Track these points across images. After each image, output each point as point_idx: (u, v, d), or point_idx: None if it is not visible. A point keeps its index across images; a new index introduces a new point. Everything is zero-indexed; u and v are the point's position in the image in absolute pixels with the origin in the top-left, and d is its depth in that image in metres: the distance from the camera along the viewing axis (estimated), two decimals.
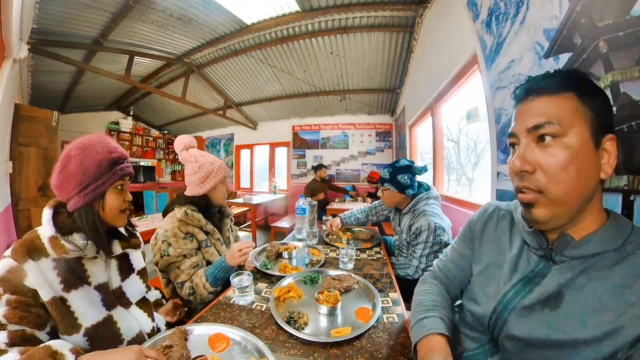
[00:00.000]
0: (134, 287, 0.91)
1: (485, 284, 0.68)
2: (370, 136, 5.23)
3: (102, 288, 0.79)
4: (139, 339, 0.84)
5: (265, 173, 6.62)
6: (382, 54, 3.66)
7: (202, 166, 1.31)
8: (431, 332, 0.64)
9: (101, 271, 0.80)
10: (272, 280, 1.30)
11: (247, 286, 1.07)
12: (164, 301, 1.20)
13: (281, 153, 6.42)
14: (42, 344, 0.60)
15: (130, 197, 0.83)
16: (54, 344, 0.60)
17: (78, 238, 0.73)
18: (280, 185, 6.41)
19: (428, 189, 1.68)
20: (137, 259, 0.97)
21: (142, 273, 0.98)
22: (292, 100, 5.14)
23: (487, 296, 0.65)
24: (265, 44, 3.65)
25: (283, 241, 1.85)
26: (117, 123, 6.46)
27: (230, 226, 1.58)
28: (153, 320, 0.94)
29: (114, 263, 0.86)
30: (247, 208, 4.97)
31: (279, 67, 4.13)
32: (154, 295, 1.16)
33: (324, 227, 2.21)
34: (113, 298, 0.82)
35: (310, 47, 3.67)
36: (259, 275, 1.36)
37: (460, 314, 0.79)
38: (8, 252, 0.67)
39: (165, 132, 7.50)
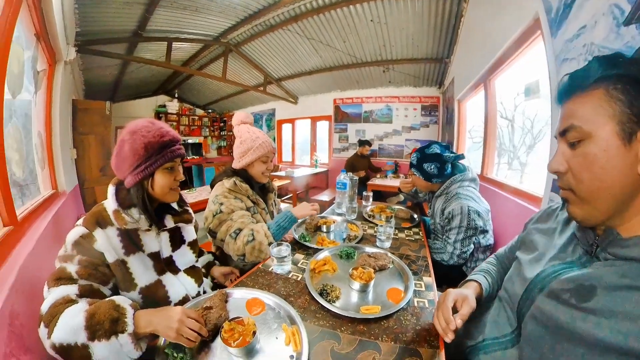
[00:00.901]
0: (184, 257, 1.02)
1: (527, 266, 0.69)
2: (415, 110, 4.83)
3: (153, 256, 0.90)
4: (184, 301, 0.93)
5: (306, 147, 6.68)
6: (428, 19, 3.23)
7: (244, 141, 1.36)
8: (469, 279, 0.85)
9: (153, 241, 0.91)
10: (310, 252, 1.33)
11: (286, 256, 1.11)
12: (216, 262, 1.33)
13: (323, 127, 6.36)
14: (107, 299, 0.70)
15: (181, 177, 0.90)
16: (117, 298, 0.70)
17: (134, 212, 0.83)
18: (322, 159, 6.45)
19: (463, 170, 1.54)
20: (189, 232, 1.07)
21: (193, 245, 1.08)
22: (333, 72, 4.93)
23: (523, 277, 0.66)
24: (300, 15, 3.48)
25: (322, 215, 1.86)
26: (164, 106, 7.00)
27: (274, 199, 1.64)
28: (200, 285, 1.04)
29: (165, 235, 0.95)
30: (288, 181, 5.15)
31: (317, 39, 3.94)
32: (205, 258, 1.29)
33: (363, 203, 2.22)
34: (163, 265, 0.93)
35: (348, 16, 3.40)
36: (297, 246, 1.39)
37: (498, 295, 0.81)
38: (80, 221, 0.80)
39: (210, 110, 7.95)
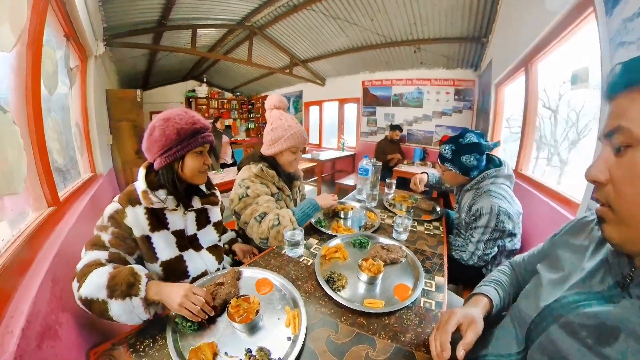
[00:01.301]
0: (208, 236, 1.10)
1: (547, 286, 0.61)
2: (447, 94, 4.44)
3: (177, 233, 0.98)
4: (203, 277, 1.01)
5: (334, 129, 6.57)
6: None
7: (276, 129, 1.33)
8: (479, 292, 0.76)
9: (179, 220, 0.99)
10: (324, 237, 1.33)
11: (298, 241, 1.14)
12: (239, 239, 1.42)
13: (351, 110, 6.18)
14: (128, 266, 0.80)
15: (209, 161, 0.96)
16: (136, 267, 0.79)
17: (162, 193, 0.91)
18: (349, 142, 6.34)
19: (499, 165, 1.39)
20: (215, 213, 1.14)
21: (218, 225, 1.15)
22: (360, 53, 4.67)
23: (540, 298, 0.59)
24: None
25: (342, 200, 1.84)
26: (194, 90, 7.26)
27: (300, 186, 1.63)
28: (220, 262, 1.13)
29: (192, 215, 1.03)
30: (314, 164, 5.21)
31: (343, 18, 3.72)
32: (228, 235, 1.37)
33: (386, 190, 2.15)
34: (187, 242, 1.02)
35: None
36: (312, 231, 1.39)
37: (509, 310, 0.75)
38: (116, 198, 0.91)
39: (238, 94, 8.11)
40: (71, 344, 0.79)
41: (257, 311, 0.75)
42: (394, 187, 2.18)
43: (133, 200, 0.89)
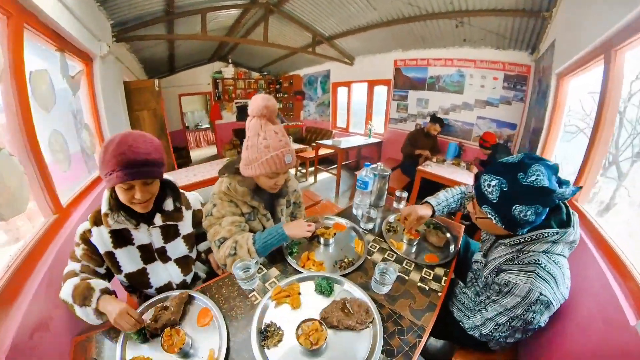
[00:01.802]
0: (177, 249, 1.13)
1: None
2: (495, 80, 3.65)
3: (143, 248, 1.04)
4: (167, 287, 1.12)
5: (362, 113, 6.05)
6: None
7: (251, 148, 1.10)
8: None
9: (144, 235, 1.03)
10: (289, 270, 1.17)
11: (251, 276, 1.04)
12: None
13: (381, 92, 5.58)
14: (88, 280, 0.90)
15: (139, 197, 0.87)
16: (93, 282, 0.89)
17: (124, 213, 0.94)
18: (377, 128, 5.85)
19: (566, 222, 0.90)
20: (185, 226, 1.14)
21: (188, 238, 1.16)
22: (392, 27, 4.00)
23: None
24: None
25: (330, 217, 1.60)
26: (220, 72, 7.22)
27: (288, 201, 1.41)
28: (186, 274, 1.17)
29: (156, 230, 1.05)
30: (331, 151, 5.02)
31: None
32: (206, 244, 1.34)
33: (394, 205, 1.79)
34: (154, 255, 1.07)
35: None
36: (279, 257, 1.24)
37: None
38: (89, 215, 0.97)
39: (265, 73, 7.89)
40: (58, 334, 1.00)
41: (181, 348, 0.79)
42: (404, 202, 1.79)
43: (98, 221, 0.95)
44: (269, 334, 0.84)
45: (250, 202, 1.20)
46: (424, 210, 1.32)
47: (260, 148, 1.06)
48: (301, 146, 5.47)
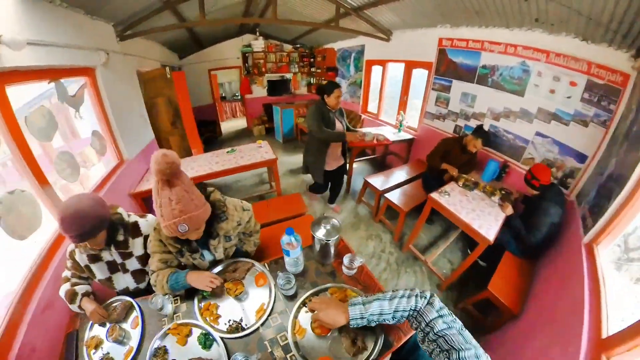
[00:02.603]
0: (132, 264, 1.45)
1: None
2: (572, 85, 2.45)
3: (109, 262, 1.40)
4: (125, 292, 1.51)
5: (396, 99, 5.10)
6: None
7: (155, 208, 1.08)
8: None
9: (108, 255, 1.38)
10: (192, 310, 1.34)
11: (159, 309, 1.26)
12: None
13: (420, 77, 4.54)
14: (74, 287, 1.34)
15: (89, 247, 1.30)
16: (78, 288, 1.35)
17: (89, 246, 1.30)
18: (410, 121, 4.94)
19: None
20: (136, 249, 1.43)
21: (140, 257, 1.45)
22: None
23: None
24: None
25: (258, 267, 1.50)
26: (249, 45, 6.89)
27: (226, 236, 1.43)
28: (139, 283, 1.51)
29: (116, 252, 1.38)
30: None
31: None
32: None
33: (345, 270, 1.46)
34: (117, 268, 1.43)
35: None
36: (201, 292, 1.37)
37: None
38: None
39: (298, 45, 7.28)
40: (61, 310, 1.44)
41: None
42: (354, 271, 1.45)
43: (76, 247, 1.36)
44: (158, 355, 1.11)
45: (174, 244, 1.29)
46: (336, 317, 1.01)
47: (157, 214, 1.07)
48: None
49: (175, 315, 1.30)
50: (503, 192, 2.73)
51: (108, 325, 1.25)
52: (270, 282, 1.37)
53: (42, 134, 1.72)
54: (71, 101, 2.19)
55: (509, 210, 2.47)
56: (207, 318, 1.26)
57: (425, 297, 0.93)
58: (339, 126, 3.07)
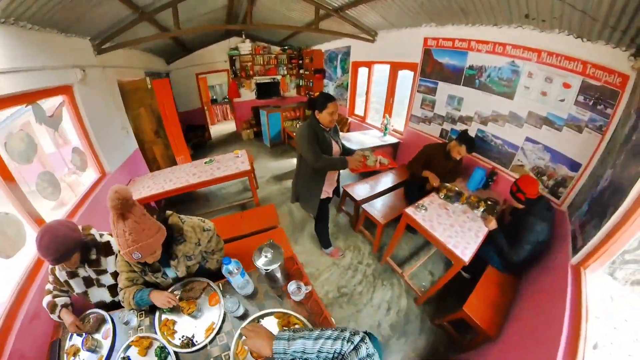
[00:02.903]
0: (107, 280, 1.53)
1: None
2: (566, 87, 2.21)
3: (85, 278, 1.50)
4: (100, 304, 1.57)
5: (382, 102, 4.88)
6: None
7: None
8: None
9: (84, 271, 1.48)
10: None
11: (126, 322, 1.38)
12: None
13: (406, 79, 4.33)
14: (55, 299, 1.45)
15: (65, 266, 1.42)
16: (58, 300, 1.45)
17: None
18: (397, 124, 4.73)
19: None
20: (109, 266, 1.52)
21: (113, 274, 1.52)
22: None
23: None
24: None
25: (213, 288, 1.58)
26: (236, 48, 6.68)
27: (187, 256, 1.48)
28: (113, 296, 1.56)
29: (91, 269, 1.48)
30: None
31: None
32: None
33: (292, 297, 1.47)
34: (92, 282, 1.52)
35: None
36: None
37: None
38: None
39: (286, 47, 7.09)
40: (46, 320, 1.51)
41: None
42: (301, 295, 1.47)
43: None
44: None
45: (137, 264, 1.39)
46: (261, 349, 1.00)
47: (115, 243, 1.36)
48: None
49: (139, 329, 1.42)
50: (489, 202, 2.48)
51: (84, 335, 1.35)
52: (222, 302, 1.44)
53: (22, 157, 1.78)
54: (49, 122, 2.23)
55: (492, 224, 2.23)
56: (165, 332, 1.37)
57: (353, 342, 0.86)
58: (335, 148, 2.36)
